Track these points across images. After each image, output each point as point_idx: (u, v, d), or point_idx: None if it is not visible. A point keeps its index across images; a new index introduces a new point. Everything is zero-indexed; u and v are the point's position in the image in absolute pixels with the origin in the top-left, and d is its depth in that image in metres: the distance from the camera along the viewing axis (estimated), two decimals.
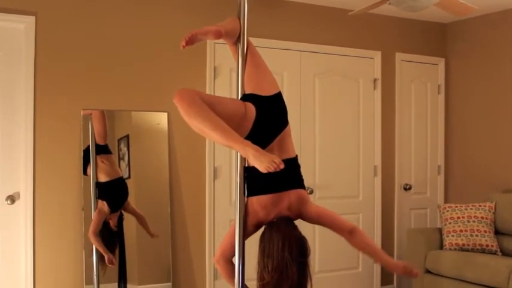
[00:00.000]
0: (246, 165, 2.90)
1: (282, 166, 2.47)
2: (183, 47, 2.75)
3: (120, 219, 4.77)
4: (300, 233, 2.84)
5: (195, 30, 2.78)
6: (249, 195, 2.91)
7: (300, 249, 2.77)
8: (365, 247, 3.06)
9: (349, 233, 2.98)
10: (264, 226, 2.90)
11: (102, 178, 4.71)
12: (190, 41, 2.75)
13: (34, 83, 4.44)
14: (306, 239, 2.81)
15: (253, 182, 2.89)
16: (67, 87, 4.57)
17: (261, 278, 2.71)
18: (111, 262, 4.64)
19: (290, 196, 2.89)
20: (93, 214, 4.62)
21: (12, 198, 4.40)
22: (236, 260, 2.92)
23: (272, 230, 2.79)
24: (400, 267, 3.10)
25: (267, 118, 2.85)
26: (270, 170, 2.46)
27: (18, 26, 4.41)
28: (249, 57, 2.98)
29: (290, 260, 2.71)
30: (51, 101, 4.51)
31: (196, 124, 2.56)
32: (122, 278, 4.76)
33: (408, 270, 3.02)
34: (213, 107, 2.60)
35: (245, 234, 2.92)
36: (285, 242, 2.72)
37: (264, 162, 2.47)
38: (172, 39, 4.92)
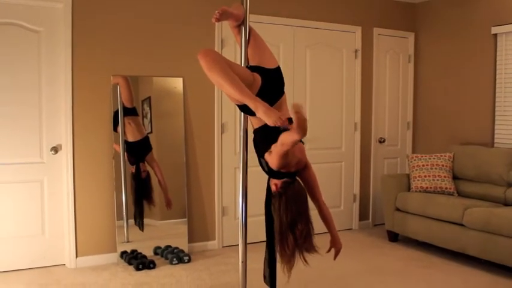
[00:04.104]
0: (254, 128, 2.92)
1: (287, 122, 2.49)
2: (216, 20, 2.75)
3: (138, 170, 4.76)
4: None
5: (224, 7, 2.77)
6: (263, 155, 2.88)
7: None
8: (327, 216, 3.03)
9: (323, 203, 3.02)
10: (285, 182, 2.83)
11: (129, 138, 4.72)
12: (220, 17, 2.75)
13: (72, 53, 4.46)
14: None
15: (265, 143, 2.85)
16: (99, 57, 4.58)
17: (292, 233, 2.64)
18: None
19: (295, 148, 2.86)
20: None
21: (55, 149, 4.48)
22: (240, 204, 2.98)
23: (294, 190, 2.75)
24: (338, 244, 3.06)
25: (270, 86, 2.84)
26: (277, 125, 2.45)
27: (57, 5, 4.42)
28: (251, 38, 2.96)
29: (309, 214, 2.75)
30: (86, 68, 4.53)
31: (217, 78, 2.51)
32: (139, 215, 4.78)
33: (338, 250, 3.06)
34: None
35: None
36: (307, 200, 2.77)
37: (272, 117, 2.45)
38: (187, 16, 4.93)
